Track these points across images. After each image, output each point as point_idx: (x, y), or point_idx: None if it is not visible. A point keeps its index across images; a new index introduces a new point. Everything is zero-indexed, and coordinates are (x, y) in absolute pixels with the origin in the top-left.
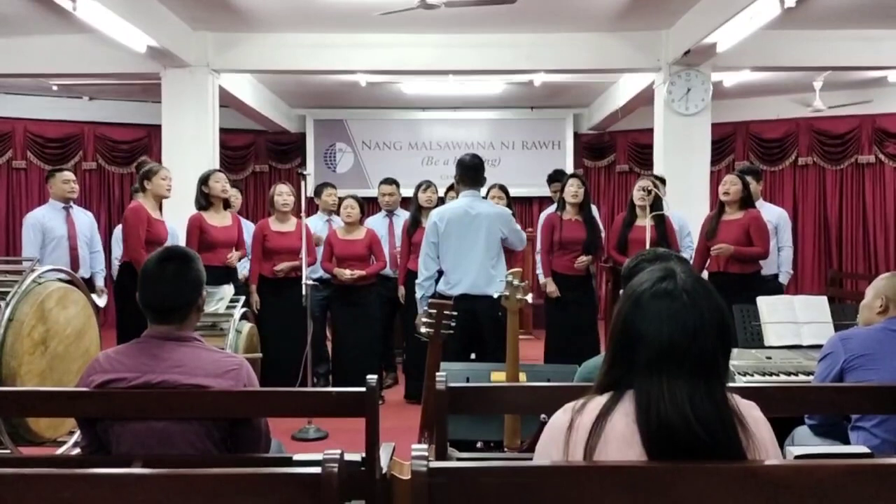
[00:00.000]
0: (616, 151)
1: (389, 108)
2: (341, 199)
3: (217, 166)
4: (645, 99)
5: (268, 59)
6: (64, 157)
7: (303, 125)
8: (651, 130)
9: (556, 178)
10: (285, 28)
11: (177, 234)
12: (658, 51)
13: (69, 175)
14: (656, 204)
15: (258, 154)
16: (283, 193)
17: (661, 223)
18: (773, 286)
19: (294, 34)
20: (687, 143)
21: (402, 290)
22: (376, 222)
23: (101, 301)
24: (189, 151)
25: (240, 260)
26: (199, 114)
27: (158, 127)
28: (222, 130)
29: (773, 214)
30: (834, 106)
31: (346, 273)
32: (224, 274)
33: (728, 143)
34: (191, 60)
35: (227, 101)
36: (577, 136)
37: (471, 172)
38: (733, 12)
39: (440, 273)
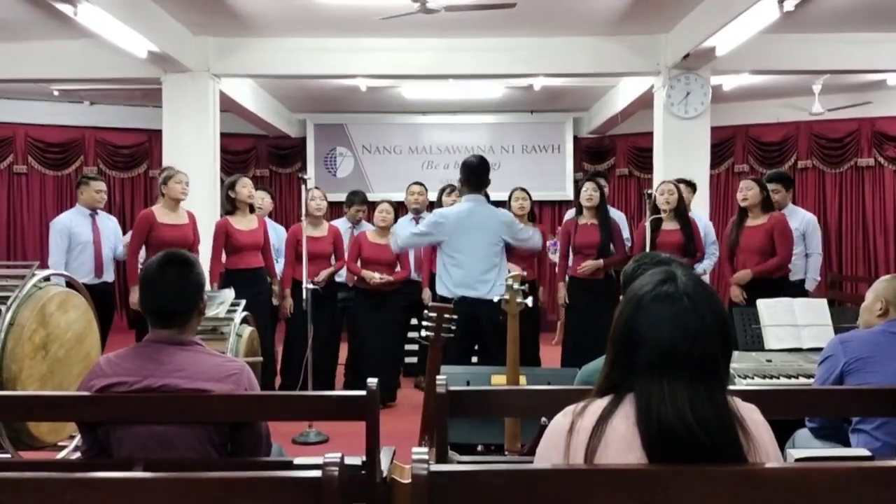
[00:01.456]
0: (616, 155)
1: (389, 112)
2: (374, 205)
3: (217, 171)
4: (644, 102)
5: (268, 63)
6: (65, 162)
7: (303, 129)
8: (651, 134)
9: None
10: (286, 33)
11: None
12: (657, 54)
13: (102, 185)
14: (680, 207)
15: (259, 158)
16: (315, 198)
17: (687, 225)
18: (799, 292)
19: (294, 39)
20: (686, 146)
21: (427, 293)
22: (404, 224)
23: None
24: (190, 156)
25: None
26: (200, 118)
27: (159, 132)
28: (223, 135)
29: (800, 221)
30: (833, 109)
31: (376, 276)
32: (252, 276)
33: (727, 146)
34: (191, 65)
35: (228, 105)
36: (576, 139)
37: (475, 177)
38: (732, 16)
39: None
